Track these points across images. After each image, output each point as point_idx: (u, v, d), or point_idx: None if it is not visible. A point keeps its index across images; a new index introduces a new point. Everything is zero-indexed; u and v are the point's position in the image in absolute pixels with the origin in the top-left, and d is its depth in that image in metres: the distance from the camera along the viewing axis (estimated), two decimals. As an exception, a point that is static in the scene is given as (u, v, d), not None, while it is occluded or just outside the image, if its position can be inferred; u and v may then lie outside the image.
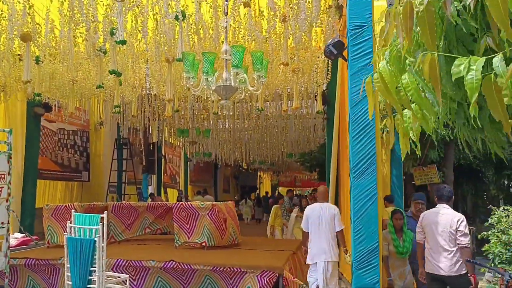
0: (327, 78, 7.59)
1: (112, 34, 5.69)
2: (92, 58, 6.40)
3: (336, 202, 8.35)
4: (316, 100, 12.19)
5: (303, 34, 5.50)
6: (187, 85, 4.59)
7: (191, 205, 7.01)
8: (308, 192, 38.52)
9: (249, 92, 4.89)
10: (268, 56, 6.56)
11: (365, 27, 4.54)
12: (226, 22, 4.64)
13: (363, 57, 4.53)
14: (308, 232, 5.98)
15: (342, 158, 8.42)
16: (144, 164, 15.70)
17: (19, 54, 7.11)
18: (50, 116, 11.19)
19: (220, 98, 4.65)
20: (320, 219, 5.92)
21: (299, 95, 9.25)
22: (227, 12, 4.72)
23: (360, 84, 4.41)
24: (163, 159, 18.01)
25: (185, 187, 21.60)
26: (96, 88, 6.40)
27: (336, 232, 5.83)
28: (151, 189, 16.42)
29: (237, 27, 5.58)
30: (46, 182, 11.14)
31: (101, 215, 4.67)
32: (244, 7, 5.36)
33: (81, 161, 12.90)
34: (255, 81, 4.56)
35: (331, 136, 8.40)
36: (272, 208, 10.66)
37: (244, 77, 4.52)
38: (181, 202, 7.14)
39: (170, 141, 19.20)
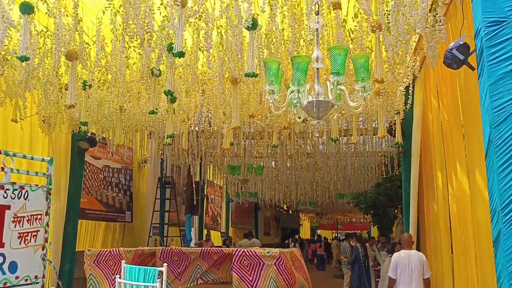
0: (407, 104, 6.42)
1: (169, 49, 4.76)
2: (145, 80, 5.47)
3: (418, 241, 7.05)
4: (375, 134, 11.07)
5: (402, 43, 4.42)
6: (270, 100, 3.52)
7: (255, 252, 5.81)
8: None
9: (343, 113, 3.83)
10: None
11: (505, 22, 3.44)
12: (318, 23, 3.62)
13: (504, 61, 3.41)
14: (394, 279, 6.11)
15: (425, 195, 7.12)
16: (187, 204, 14.65)
17: (66, 84, 6.31)
18: (95, 152, 10.42)
19: (309, 117, 3.58)
20: (409, 266, 6.01)
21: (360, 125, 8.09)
22: (318, 12, 3.70)
23: (504, 97, 3.28)
24: (205, 199, 16.99)
25: (227, 229, 20.38)
26: (149, 113, 5.43)
27: (424, 279, 5.96)
28: (193, 232, 15.35)
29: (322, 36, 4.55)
30: (87, 223, 10.21)
31: (159, 269, 3.55)
32: (334, 9, 4.34)
33: (124, 200, 11.98)
34: (355, 95, 3.49)
35: (409, 171, 7.14)
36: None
37: (343, 89, 3.45)
38: (242, 249, 5.97)
39: (212, 180, 18.23)
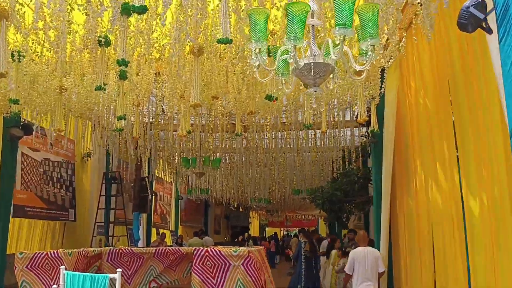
0: (381, 88, 5.88)
1: (125, 9, 3.88)
2: (91, 48, 4.53)
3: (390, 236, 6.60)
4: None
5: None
6: (257, 62, 2.78)
7: (220, 252, 5.02)
8: (295, 232, 36.44)
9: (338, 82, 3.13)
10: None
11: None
12: (311, -31, 2.93)
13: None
14: (350, 275, 6.32)
15: (398, 188, 6.62)
16: (135, 201, 13.54)
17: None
18: (33, 143, 9.21)
19: (305, 84, 2.87)
20: (366, 262, 6.23)
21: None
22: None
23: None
24: (153, 197, 15.92)
25: (176, 227, 19.36)
26: (95, 89, 4.50)
27: (379, 272, 6.26)
28: (140, 231, 14.26)
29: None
30: (21, 221, 8.99)
31: (111, 276, 2.70)
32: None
33: (67, 197, 10.78)
34: (360, 56, 2.82)
35: (379, 162, 6.63)
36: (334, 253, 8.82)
37: (346, 50, 2.77)
38: (204, 248, 5.16)
39: (161, 176, 17.16)
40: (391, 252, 6.68)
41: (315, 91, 2.83)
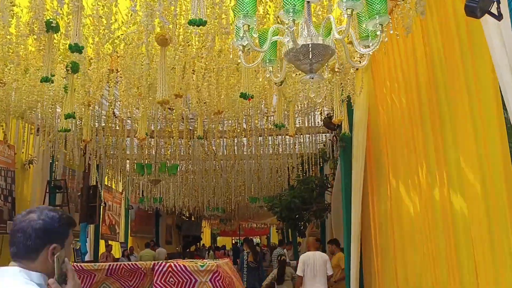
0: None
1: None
2: (37, 34, 3.86)
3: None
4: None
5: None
6: (245, 42, 2.29)
7: (185, 267, 4.44)
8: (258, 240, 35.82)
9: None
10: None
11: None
12: None
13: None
14: (302, 277, 6.83)
15: (369, 188, 6.31)
16: (82, 211, 12.55)
17: None
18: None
19: (300, 71, 2.41)
20: (315, 265, 6.71)
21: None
22: None
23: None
24: (102, 206, 14.91)
25: (126, 238, 18.31)
26: (41, 81, 3.83)
27: (328, 275, 6.81)
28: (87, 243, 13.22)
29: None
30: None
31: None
32: None
33: (5, 208, 9.72)
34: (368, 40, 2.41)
35: (349, 165, 6.31)
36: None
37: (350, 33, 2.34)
38: (167, 263, 4.55)
39: (110, 184, 16.15)
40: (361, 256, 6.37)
41: (312, 78, 2.38)
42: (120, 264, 5.10)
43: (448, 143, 4.41)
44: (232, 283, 4.63)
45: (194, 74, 4.83)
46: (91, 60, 5.11)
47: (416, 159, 4.86)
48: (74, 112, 4.69)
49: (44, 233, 1.78)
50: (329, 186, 12.92)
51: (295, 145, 12.29)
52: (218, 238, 36.25)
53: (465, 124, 3.96)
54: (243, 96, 4.15)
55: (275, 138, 11.84)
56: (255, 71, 5.13)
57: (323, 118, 7.14)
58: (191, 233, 26.12)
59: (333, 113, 6.46)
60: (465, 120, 3.96)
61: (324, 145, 12.80)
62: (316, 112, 10.35)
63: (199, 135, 6.00)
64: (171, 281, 4.43)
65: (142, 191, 15.01)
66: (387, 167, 5.84)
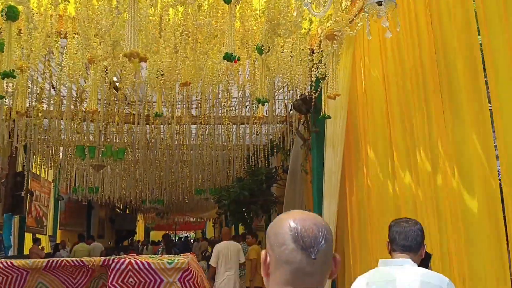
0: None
1: None
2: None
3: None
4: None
5: None
6: None
7: (148, 264, 3.57)
8: (193, 235, 34.64)
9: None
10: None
11: None
12: None
13: None
14: (215, 267, 7.08)
15: (347, 176, 5.75)
16: (7, 201, 11.00)
17: None
18: None
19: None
20: (229, 254, 7.04)
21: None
22: None
23: None
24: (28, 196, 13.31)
25: (54, 231, 16.66)
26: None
27: (240, 263, 7.25)
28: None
29: None
30: None
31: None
32: None
33: None
34: None
35: (321, 152, 5.73)
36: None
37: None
38: (126, 259, 3.65)
39: (38, 172, 14.47)
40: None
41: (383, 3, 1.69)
42: (62, 260, 4.13)
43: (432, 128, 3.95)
44: (203, 283, 3.84)
45: (162, 32, 3.96)
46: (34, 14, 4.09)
47: (398, 145, 4.37)
48: (14, 71, 3.65)
49: None
50: (278, 178, 12.39)
51: (245, 135, 11.61)
52: (152, 232, 34.77)
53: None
54: (228, 57, 3.37)
55: (228, 126, 11.08)
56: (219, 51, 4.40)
57: (293, 101, 6.47)
58: (125, 227, 24.62)
59: (311, 92, 5.87)
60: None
61: (273, 137, 12.25)
62: (274, 100, 9.77)
63: (156, 112, 5.10)
64: (131, 281, 3.56)
65: (76, 180, 13.57)
66: (364, 154, 5.33)
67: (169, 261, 3.59)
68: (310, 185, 8.10)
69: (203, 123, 10.30)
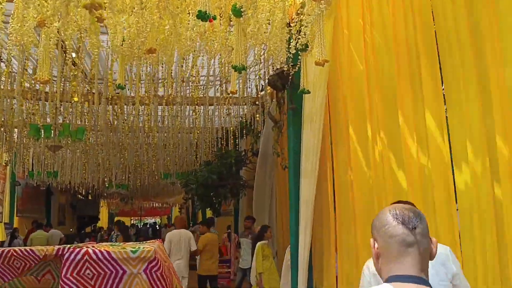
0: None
1: None
2: None
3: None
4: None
5: None
6: None
7: (109, 254, 3.08)
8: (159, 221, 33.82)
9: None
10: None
11: None
12: None
13: None
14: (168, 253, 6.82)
15: (326, 155, 5.38)
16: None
17: None
18: None
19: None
20: (180, 241, 7.16)
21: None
22: None
23: None
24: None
25: (11, 218, 15.71)
26: None
27: (192, 251, 7.34)
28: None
29: None
30: None
31: None
32: None
33: None
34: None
35: (298, 130, 5.33)
36: (258, 247, 7.03)
37: None
38: (82, 248, 3.14)
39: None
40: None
41: None
42: (8, 250, 3.58)
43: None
44: (170, 273, 3.39)
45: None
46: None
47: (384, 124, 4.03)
48: None
49: None
50: (247, 162, 11.98)
51: (214, 117, 11.11)
52: (116, 218, 33.83)
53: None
54: (202, 16, 2.89)
55: (196, 108, 10.53)
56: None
57: (268, 76, 6.01)
58: (87, 213, 23.70)
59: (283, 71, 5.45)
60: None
61: (243, 118, 11.79)
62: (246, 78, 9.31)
63: (119, 84, 4.53)
64: (88, 274, 3.06)
65: (33, 164, 12.71)
66: (346, 131, 4.97)
67: (133, 249, 3.11)
68: (281, 168, 7.74)
69: (169, 104, 9.75)
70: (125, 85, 4.69)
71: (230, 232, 12.56)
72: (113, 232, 12.22)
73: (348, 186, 4.81)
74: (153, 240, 4.08)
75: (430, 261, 1.92)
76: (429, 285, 1.31)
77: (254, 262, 6.98)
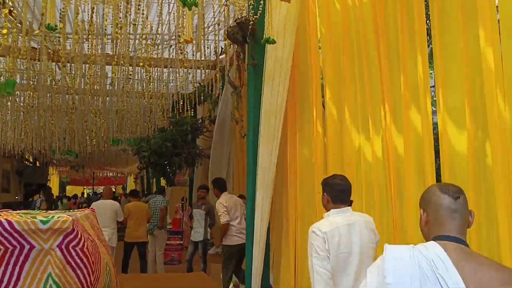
0: None
1: None
2: None
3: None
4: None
5: None
6: None
7: (10, 224, 2.35)
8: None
9: None
10: None
11: None
12: None
13: None
14: None
15: (289, 123, 4.79)
16: None
17: None
18: None
19: None
20: (105, 212, 7.23)
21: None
22: None
23: None
24: None
25: None
26: None
27: (118, 221, 7.65)
28: None
29: None
30: None
31: None
32: None
33: None
34: None
35: (259, 91, 4.69)
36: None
37: None
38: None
39: None
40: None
41: None
42: None
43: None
44: (96, 250, 2.70)
45: None
46: None
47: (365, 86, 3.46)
48: None
49: None
50: (204, 129, 11.26)
51: (169, 81, 10.26)
52: (68, 187, 32.36)
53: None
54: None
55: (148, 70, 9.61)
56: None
57: (227, 28, 5.25)
58: (35, 181, 22.26)
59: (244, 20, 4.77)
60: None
61: (200, 84, 11.00)
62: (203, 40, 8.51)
63: (48, 24, 3.70)
64: (-17, 250, 2.32)
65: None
66: (314, 96, 4.38)
67: (44, 219, 2.39)
68: (240, 136, 7.12)
69: (120, 63, 8.77)
70: (56, 26, 3.84)
71: (184, 203, 11.90)
72: (39, 198, 11.21)
73: (312, 153, 4.25)
74: (83, 209, 3.36)
75: (366, 225, 2.72)
76: (466, 245, 1.54)
77: None
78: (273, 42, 3.97)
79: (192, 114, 11.41)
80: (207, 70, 11.04)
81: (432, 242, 1.51)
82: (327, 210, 2.84)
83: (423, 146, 2.96)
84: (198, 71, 10.04)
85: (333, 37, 4.09)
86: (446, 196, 1.58)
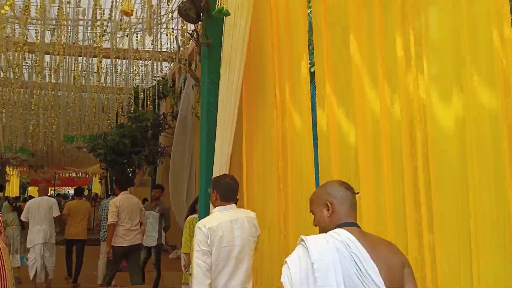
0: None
1: None
2: None
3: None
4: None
5: None
6: None
7: None
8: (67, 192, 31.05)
9: None
10: None
11: None
12: None
13: None
14: (27, 222, 7.24)
15: (246, 106, 4.09)
16: None
17: None
18: None
19: None
20: (39, 209, 7.16)
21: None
22: None
23: None
24: None
25: None
26: None
27: (55, 217, 7.38)
28: None
29: None
30: None
31: None
32: None
33: None
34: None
35: (215, 73, 3.96)
36: (188, 221, 5.21)
37: None
38: None
39: None
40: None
41: None
42: None
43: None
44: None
45: None
46: None
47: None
48: None
49: None
50: (166, 126, 10.44)
51: (128, 74, 9.41)
52: (30, 188, 30.69)
53: None
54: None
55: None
56: None
57: (179, 4, 4.50)
58: (-9, 182, 20.80)
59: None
60: None
61: (162, 78, 10.19)
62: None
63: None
64: None
65: None
66: (274, 74, 3.71)
67: None
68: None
69: (65, 53, 7.81)
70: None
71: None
72: None
73: (273, 141, 3.58)
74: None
75: (248, 220, 2.98)
76: (360, 227, 1.83)
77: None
78: (227, 13, 3.28)
79: (157, 111, 10.61)
80: (169, 64, 10.26)
81: (340, 229, 1.75)
82: (215, 206, 2.98)
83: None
84: (162, 63, 9.26)
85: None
86: (348, 192, 1.85)
